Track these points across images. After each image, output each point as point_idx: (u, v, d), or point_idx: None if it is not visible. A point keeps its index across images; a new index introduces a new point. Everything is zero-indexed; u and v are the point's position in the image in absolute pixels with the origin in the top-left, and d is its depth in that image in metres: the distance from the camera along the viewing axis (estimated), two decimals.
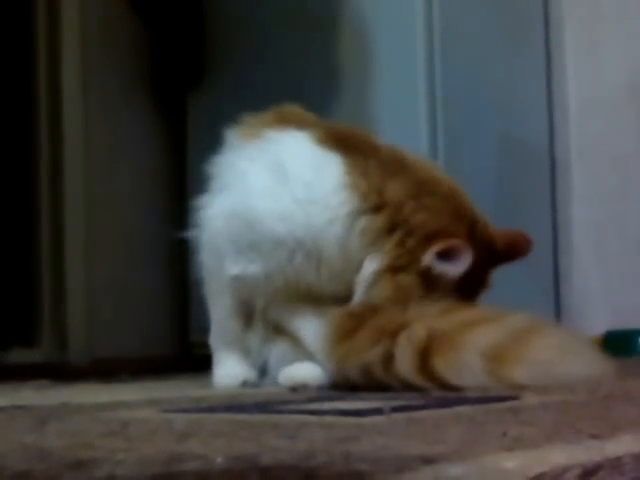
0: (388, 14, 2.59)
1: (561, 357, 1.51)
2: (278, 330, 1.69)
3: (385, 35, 2.58)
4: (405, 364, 1.45)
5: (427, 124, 2.52)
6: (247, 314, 1.74)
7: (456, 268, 1.59)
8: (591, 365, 1.52)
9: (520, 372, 1.45)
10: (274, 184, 1.67)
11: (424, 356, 1.45)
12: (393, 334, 1.47)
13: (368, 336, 1.50)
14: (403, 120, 2.47)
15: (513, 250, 1.71)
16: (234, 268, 1.70)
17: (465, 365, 1.43)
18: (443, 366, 1.43)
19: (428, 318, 1.49)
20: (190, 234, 1.78)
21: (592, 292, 2.97)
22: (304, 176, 1.66)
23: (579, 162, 3.03)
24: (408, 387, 1.44)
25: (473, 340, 1.46)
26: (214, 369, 1.80)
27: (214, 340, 1.81)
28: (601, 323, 2.87)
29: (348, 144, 1.68)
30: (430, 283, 1.59)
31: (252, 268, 1.67)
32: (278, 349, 1.68)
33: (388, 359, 1.46)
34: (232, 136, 1.79)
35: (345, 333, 1.53)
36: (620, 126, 2.98)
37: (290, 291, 1.66)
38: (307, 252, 1.62)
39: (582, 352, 1.56)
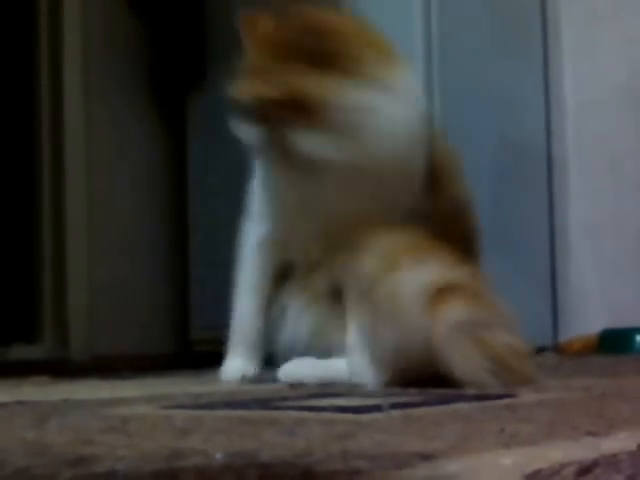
0: (387, 17, 2.59)
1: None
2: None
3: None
4: None
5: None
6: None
7: None
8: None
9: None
10: None
11: None
12: None
13: None
14: None
15: None
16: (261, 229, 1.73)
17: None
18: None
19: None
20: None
21: (589, 291, 2.98)
22: None
23: (576, 163, 3.04)
24: None
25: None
26: (224, 364, 1.80)
27: (231, 336, 1.81)
28: (598, 321, 2.87)
29: None
30: None
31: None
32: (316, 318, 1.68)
33: None
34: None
35: None
36: (617, 127, 2.98)
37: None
38: None
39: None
